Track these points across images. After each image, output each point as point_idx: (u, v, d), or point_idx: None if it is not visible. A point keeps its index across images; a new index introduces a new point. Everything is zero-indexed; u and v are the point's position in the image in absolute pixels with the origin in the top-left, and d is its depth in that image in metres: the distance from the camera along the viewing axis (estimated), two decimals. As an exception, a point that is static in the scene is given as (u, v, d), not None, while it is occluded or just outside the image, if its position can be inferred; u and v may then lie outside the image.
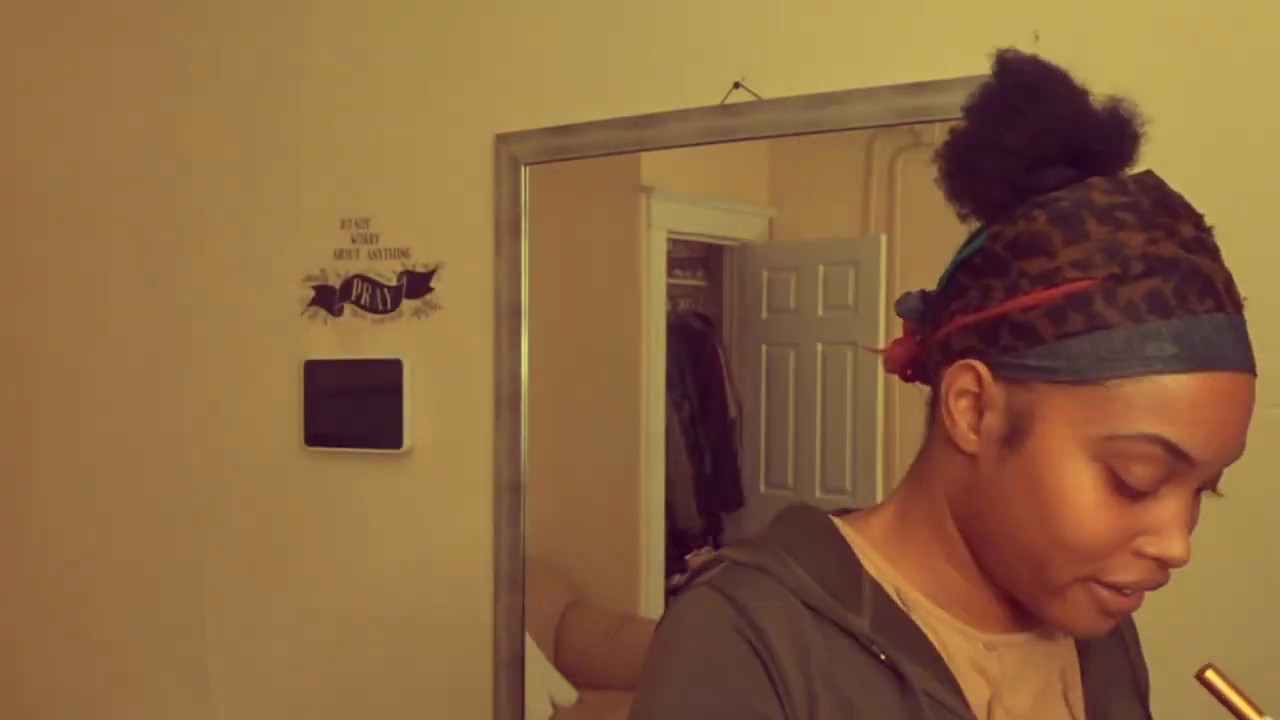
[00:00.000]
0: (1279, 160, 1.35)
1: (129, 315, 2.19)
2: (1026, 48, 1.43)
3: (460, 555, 1.87)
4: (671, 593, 2.03)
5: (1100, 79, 1.42)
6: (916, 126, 1.62)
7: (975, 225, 0.78)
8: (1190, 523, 0.72)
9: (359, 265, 1.96)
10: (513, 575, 1.80)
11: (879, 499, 1.83)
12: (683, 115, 1.65)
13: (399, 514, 1.94)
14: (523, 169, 1.79)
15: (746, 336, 1.98)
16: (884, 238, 1.81)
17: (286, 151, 2.05)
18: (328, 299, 1.99)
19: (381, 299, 1.94)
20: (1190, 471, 0.69)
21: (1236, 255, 1.36)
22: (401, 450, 1.91)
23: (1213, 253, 0.72)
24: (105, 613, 2.22)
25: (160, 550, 2.17)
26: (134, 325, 2.18)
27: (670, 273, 1.98)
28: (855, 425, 1.86)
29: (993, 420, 0.72)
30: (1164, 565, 0.72)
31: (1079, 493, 0.69)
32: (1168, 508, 0.70)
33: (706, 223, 2.00)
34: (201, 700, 2.14)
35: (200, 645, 2.14)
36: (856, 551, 0.79)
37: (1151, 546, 0.71)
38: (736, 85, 1.61)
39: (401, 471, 1.93)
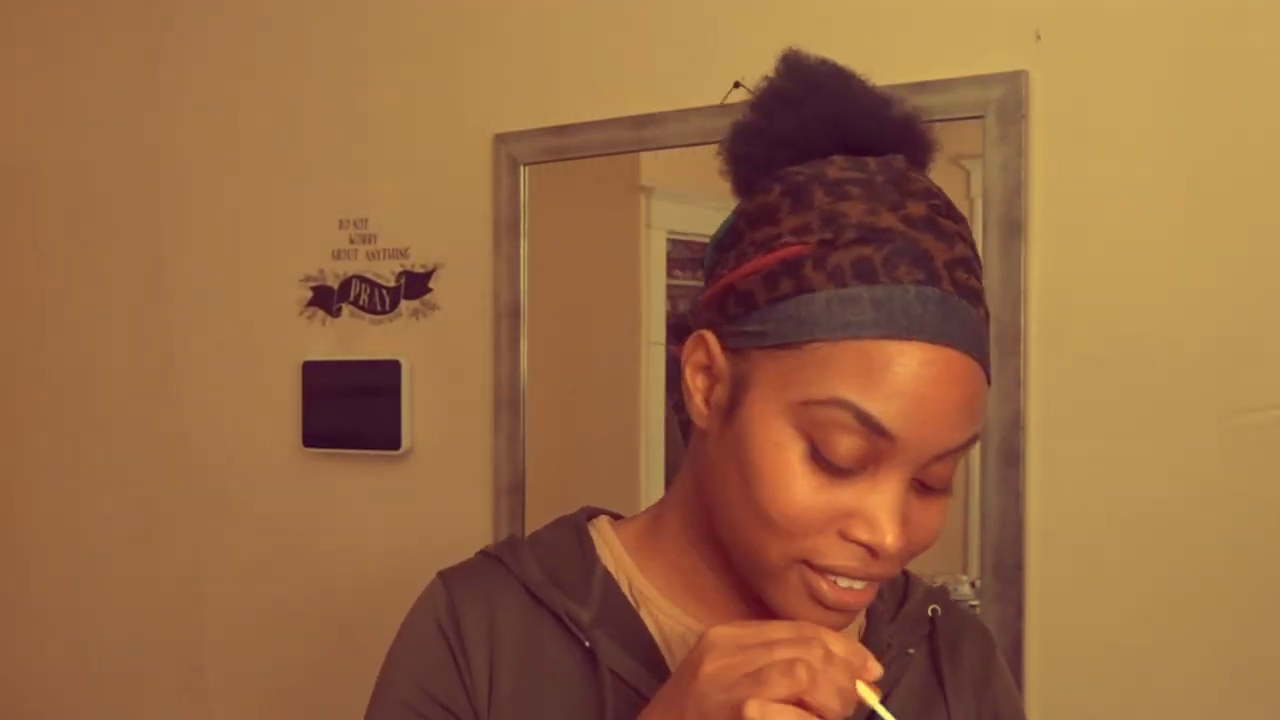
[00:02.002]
0: (1277, 160, 1.34)
1: (126, 316, 2.18)
2: (1027, 48, 1.44)
3: (460, 557, 1.84)
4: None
5: (1101, 78, 1.42)
6: (917, 126, 1.61)
7: None
8: (905, 516, 0.68)
9: (357, 266, 1.96)
10: (512, 577, 1.79)
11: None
12: (683, 115, 1.64)
13: (397, 516, 1.94)
14: (522, 169, 1.79)
15: (747, 337, 1.97)
16: (885, 238, 1.81)
17: (284, 151, 2.05)
18: (326, 299, 1.98)
19: (380, 299, 1.93)
20: (895, 451, 0.66)
21: (1237, 255, 1.36)
22: (400, 451, 1.90)
23: (943, 234, 0.69)
24: (102, 614, 2.22)
25: (158, 552, 2.16)
26: (131, 326, 2.18)
27: (670, 273, 1.97)
28: (856, 426, 1.85)
29: (720, 392, 0.71)
30: (874, 554, 0.68)
31: (778, 462, 0.67)
32: (878, 492, 0.67)
33: (706, 223, 1.99)
34: (199, 701, 2.13)
35: (198, 646, 2.13)
36: (598, 547, 0.81)
37: (859, 530, 0.67)
38: (736, 85, 1.59)
39: (400, 473, 1.92)
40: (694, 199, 1.99)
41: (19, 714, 2.32)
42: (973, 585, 1.64)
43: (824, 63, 0.77)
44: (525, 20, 1.81)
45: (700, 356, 0.73)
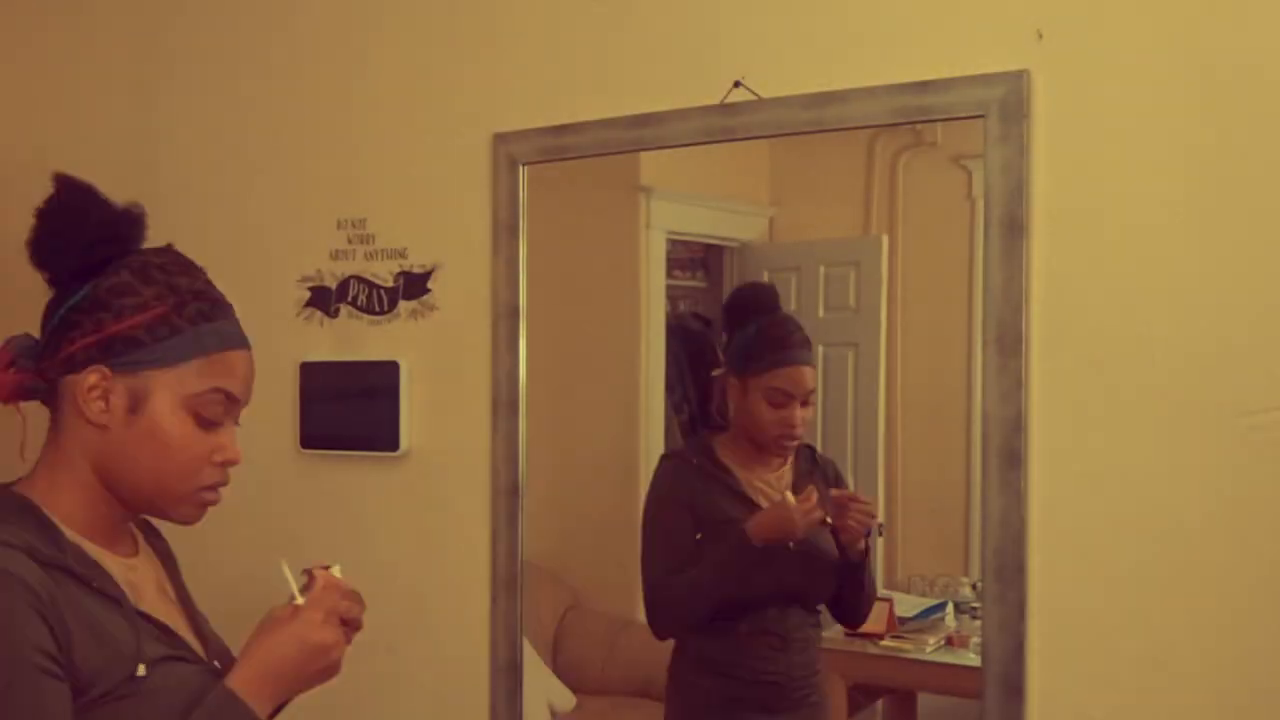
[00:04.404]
0: (1279, 159, 1.34)
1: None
2: (1029, 47, 1.43)
3: (457, 559, 1.86)
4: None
5: (1103, 78, 1.41)
6: (919, 126, 1.61)
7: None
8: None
9: (355, 266, 1.95)
10: (510, 579, 1.79)
11: (880, 499, 1.84)
12: (682, 115, 1.64)
13: (395, 517, 1.93)
14: (521, 169, 1.78)
15: (747, 338, 1.96)
16: (885, 238, 1.80)
17: (282, 151, 2.04)
18: (324, 300, 1.98)
19: (378, 300, 1.92)
20: (235, 409, 1.20)
21: (1239, 254, 1.35)
22: (398, 453, 1.90)
23: (209, 281, 1.22)
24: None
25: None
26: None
27: (670, 273, 1.96)
28: (856, 427, 1.85)
29: (117, 401, 1.14)
30: (227, 466, 1.20)
31: (184, 434, 1.15)
32: (226, 433, 1.19)
33: (706, 223, 1.99)
34: (197, 704, 2.12)
35: (195, 649, 2.12)
36: (58, 523, 1.13)
37: (220, 455, 1.18)
38: (737, 84, 1.59)
39: (398, 474, 1.92)
40: (694, 199, 1.99)
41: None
42: (974, 587, 1.64)
43: (74, 194, 1.21)
44: (524, 20, 1.81)
45: (94, 380, 1.14)
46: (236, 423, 1.22)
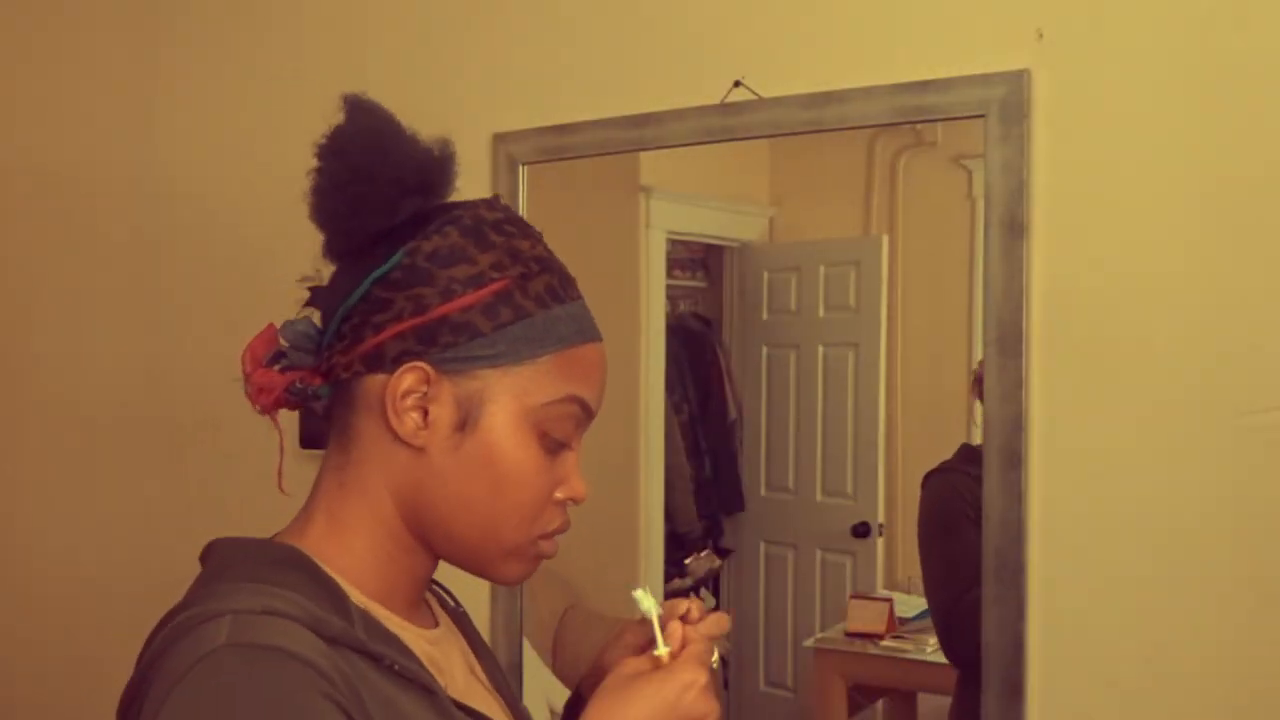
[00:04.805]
0: (1279, 159, 1.33)
1: (122, 317, 2.17)
2: (1029, 47, 1.43)
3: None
4: (669, 597, 2.01)
5: (1103, 77, 1.41)
6: (919, 126, 1.61)
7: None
8: None
9: (355, 266, 1.94)
10: (510, 579, 1.78)
11: (880, 500, 1.83)
12: (682, 114, 1.64)
13: (396, 517, 1.93)
14: (520, 169, 1.78)
15: (747, 338, 1.97)
16: (885, 238, 1.80)
17: (281, 150, 2.03)
18: (324, 300, 1.97)
19: (378, 300, 1.92)
20: (587, 424, 0.86)
21: (1240, 254, 1.35)
22: (398, 453, 1.89)
23: (555, 256, 0.88)
24: (99, 617, 2.21)
25: (154, 554, 2.15)
26: (127, 328, 2.17)
27: (670, 273, 1.96)
28: (857, 427, 1.84)
29: (440, 412, 0.81)
30: (571, 504, 0.86)
31: (525, 460, 0.82)
32: (570, 459, 0.85)
33: (706, 223, 1.99)
34: (197, 705, 2.12)
35: (195, 649, 2.12)
36: (344, 586, 0.81)
37: (564, 492, 0.84)
38: (737, 84, 1.59)
39: (398, 474, 1.91)
40: (694, 199, 1.99)
41: (15, 716, 2.31)
42: (974, 587, 1.63)
43: (381, 109, 0.92)
44: (524, 20, 1.81)
45: (412, 383, 0.81)
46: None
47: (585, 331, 0.85)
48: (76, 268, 2.21)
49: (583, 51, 1.76)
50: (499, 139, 1.79)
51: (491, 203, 0.87)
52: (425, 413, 0.81)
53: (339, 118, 0.90)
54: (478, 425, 0.81)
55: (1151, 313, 1.38)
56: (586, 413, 0.85)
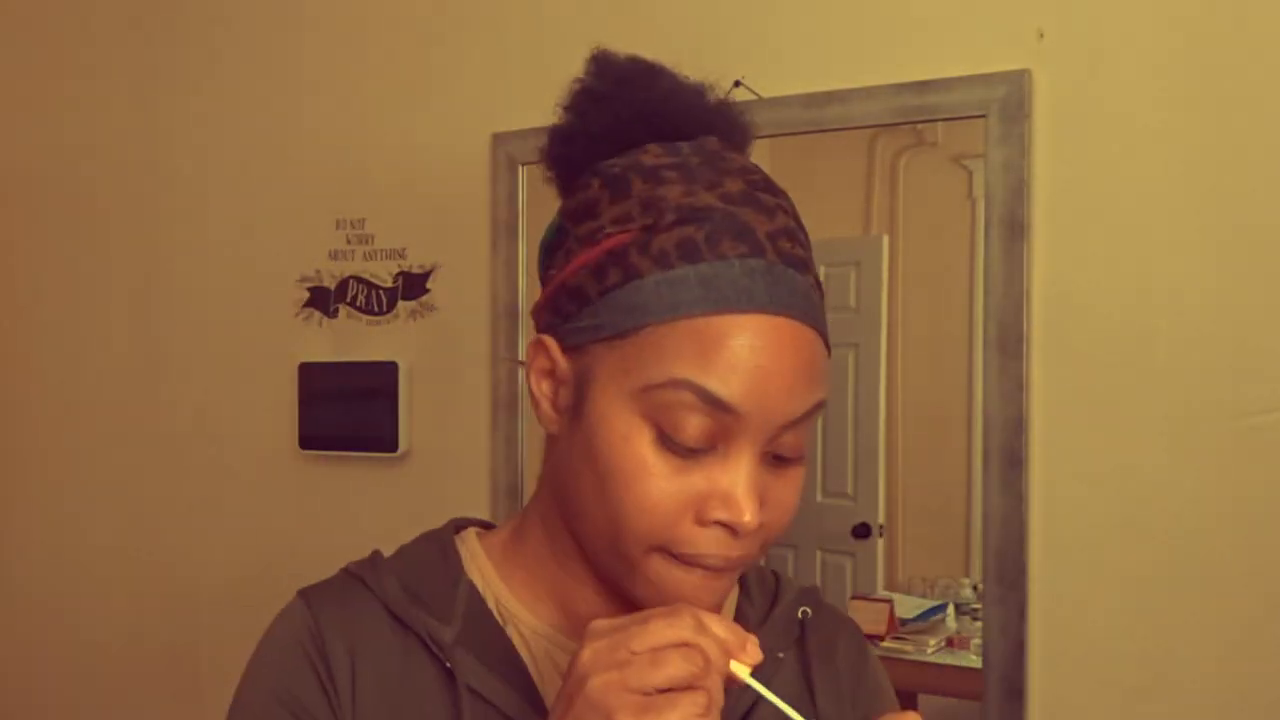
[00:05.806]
0: (1279, 159, 1.33)
1: (121, 317, 2.17)
2: (1030, 46, 1.43)
3: (457, 560, 1.85)
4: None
5: (1104, 77, 1.41)
6: (919, 126, 1.60)
7: None
8: (761, 491, 0.68)
9: (354, 266, 1.94)
10: (510, 580, 1.78)
11: (881, 501, 1.83)
12: (682, 114, 1.63)
13: (395, 518, 1.92)
14: (520, 169, 1.77)
15: (746, 338, 1.96)
16: (886, 238, 1.80)
17: (281, 151, 2.03)
18: (322, 301, 1.97)
19: (377, 300, 1.92)
20: (740, 425, 0.65)
21: (1240, 254, 1.35)
22: (397, 454, 1.89)
23: (763, 207, 0.69)
24: (97, 617, 2.20)
25: (153, 554, 2.15)
26: (127, 328, 2.16)
27: (669, 274, 1.96)
28: (857, 428, 1.84)
29: (565, 394, 0.70)
30: (733, 532, 0.67)
31: (627, 454, 0.66)
32: (730, 469, 0.66)
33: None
34: (194, 705, 2.12)
35: (193, 650, 2.12)
36: (465, 562, 0.79)
37: (716, 510, 0.66)
38: (737, 84, 1.59)
39: (397, 475, 1.91)
40: (693, 199, 1.98)
41: (13, 716, 2.30)
42: (974, 589, 1.63)
43: (633, 60, 0.77)
44: (523, 19, 1.80)
45: (542, 362, 0.72)
46: (769, 456, 0.69)
47: (722, 299, 0.64)
48: (76, 268, 2.20)
49: (582, 52, 1.75)
50: (498, 139, 1.79)
51: (676, 146, 0.72)
52: (555, 395, 0.71)
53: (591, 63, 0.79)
54: (583, 410, 0.68)
55: (1152, 313, 1.38)
56: (712, 404, 0.64)
